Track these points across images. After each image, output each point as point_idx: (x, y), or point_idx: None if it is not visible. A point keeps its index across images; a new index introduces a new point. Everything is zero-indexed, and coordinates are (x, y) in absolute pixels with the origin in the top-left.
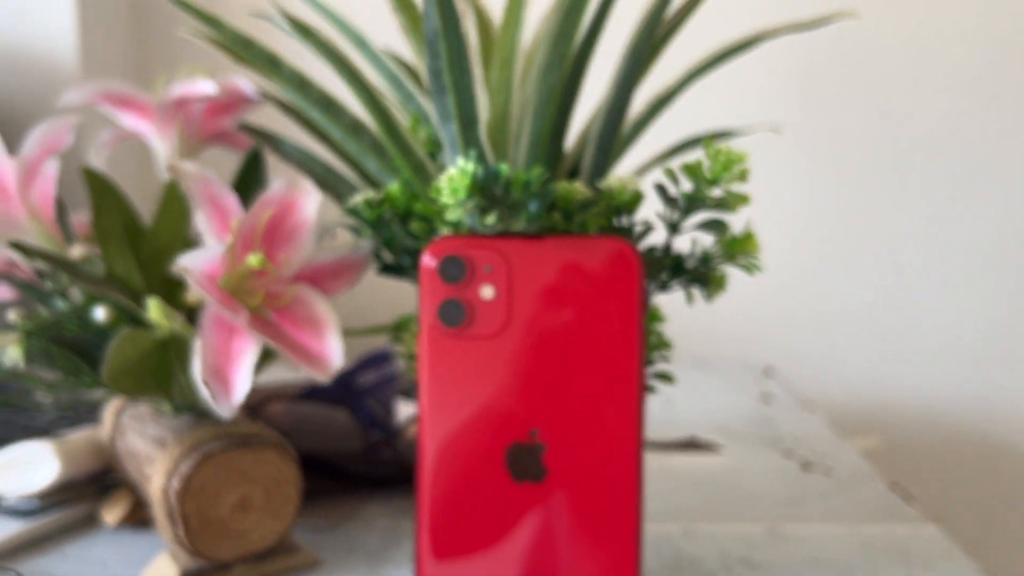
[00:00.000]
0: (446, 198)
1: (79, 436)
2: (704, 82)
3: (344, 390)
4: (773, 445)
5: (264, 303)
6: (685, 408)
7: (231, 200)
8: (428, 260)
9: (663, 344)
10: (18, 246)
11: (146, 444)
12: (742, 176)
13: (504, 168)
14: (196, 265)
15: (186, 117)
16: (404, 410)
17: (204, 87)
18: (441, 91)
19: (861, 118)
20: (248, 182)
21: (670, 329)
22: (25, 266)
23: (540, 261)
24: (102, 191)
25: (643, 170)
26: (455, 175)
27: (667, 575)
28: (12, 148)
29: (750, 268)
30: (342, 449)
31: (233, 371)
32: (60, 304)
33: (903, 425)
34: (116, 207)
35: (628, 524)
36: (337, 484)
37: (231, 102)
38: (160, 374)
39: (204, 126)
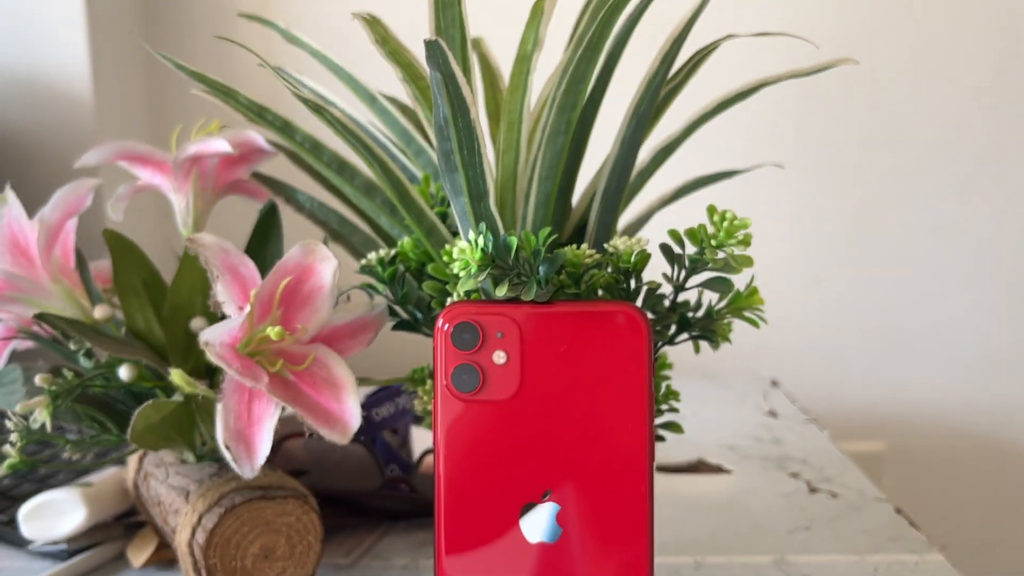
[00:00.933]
0: (458, 270)
1: (105, 480)
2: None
3: (360, 424)
4: (780, 466)
5: (284, 366)
6: (693, 424)
7: (249, 268)
8: (442, 326)
9: (671, 394)
10: (43, 316)
11: (170, 493)
12: (746, 241)
13: (513, 240)
14: (217, 339)
15: (201, 170)
16: (419, 440)
17: (219, 145)
18: (452, 170)
19: (863, 125)
20: (265, 235)
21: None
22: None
23: (550, 326)
24: (122, 250)
25: (647, 215)
26: (466, 249)
27: None
28: (29, 187)
29: (755, 322)
30: (360, 485)
31: (254, 433)
32: (85, 362)
33: (908, 430)
34: (135, 264)
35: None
36: (356, 520)
37: (244, 154)
38: (183, 427)
39: (219, 178)
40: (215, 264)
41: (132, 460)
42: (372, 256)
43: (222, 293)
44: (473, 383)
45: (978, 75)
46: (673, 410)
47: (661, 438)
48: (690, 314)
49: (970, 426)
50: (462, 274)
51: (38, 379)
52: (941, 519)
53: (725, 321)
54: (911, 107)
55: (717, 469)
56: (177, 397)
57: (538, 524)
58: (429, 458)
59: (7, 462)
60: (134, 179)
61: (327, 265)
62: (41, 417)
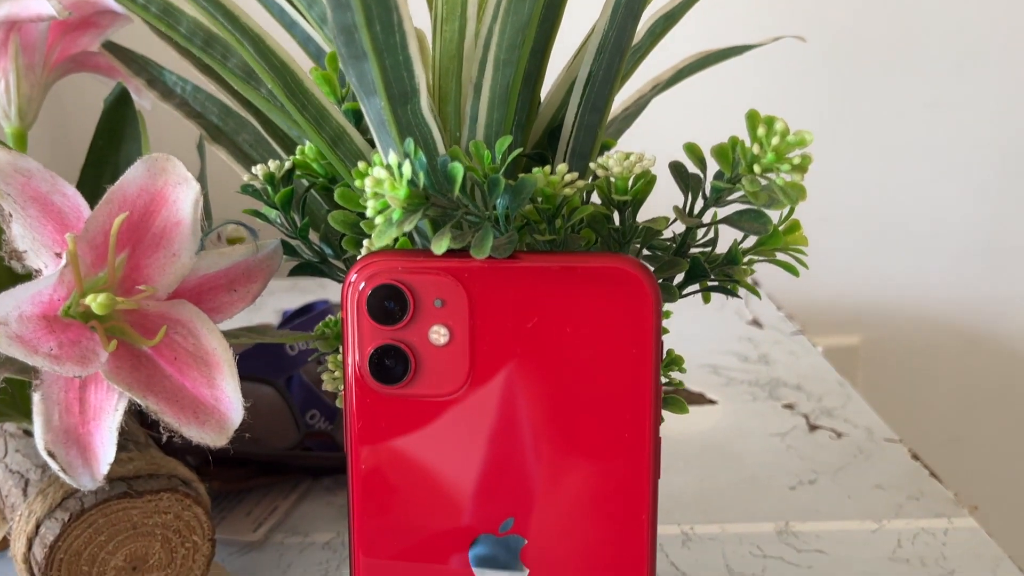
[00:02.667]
0: (373, 213)
1: None
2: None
3: (272, 358)
4: (771, 395)
5: (128, 334)
6: (670, 340)
7: (68, 197)
8: (354, 289)
9: (675, 361)
10: None
11: (7, 479)
12: (803, 166)
13: (458, 168)
14: (11, 310)
15: (25, 41)
16: None
17: (39, 6)
18: (358, 57)
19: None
20: (113, 135)
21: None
22: None
23: (513, 291)
24: None
25: (638, 106)
26: (384, 180)
27: None
28: None
29: (794, 269)
30: (271, 438)
31: (91, 432)
32: None
33: (884, 323)
34: None
35: None
36: (267, 480)
37: (87, 17)
38: (16, 397)
39: (52, 50)
40: (10, 194)
41: None
42: (258, 170)
43: (23, 237)
44: (400, 372)
45: None
46: (675, 383)
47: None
48: (704, 259)
49: (950, 319)
50: (379, 220)
51: None
52: (912, 414)
53: (748, 265)
54: None
55: (700, 398)
56: None
57: (495, 564)
58: None
59: None
60: None
61: (185, 190)
62: None
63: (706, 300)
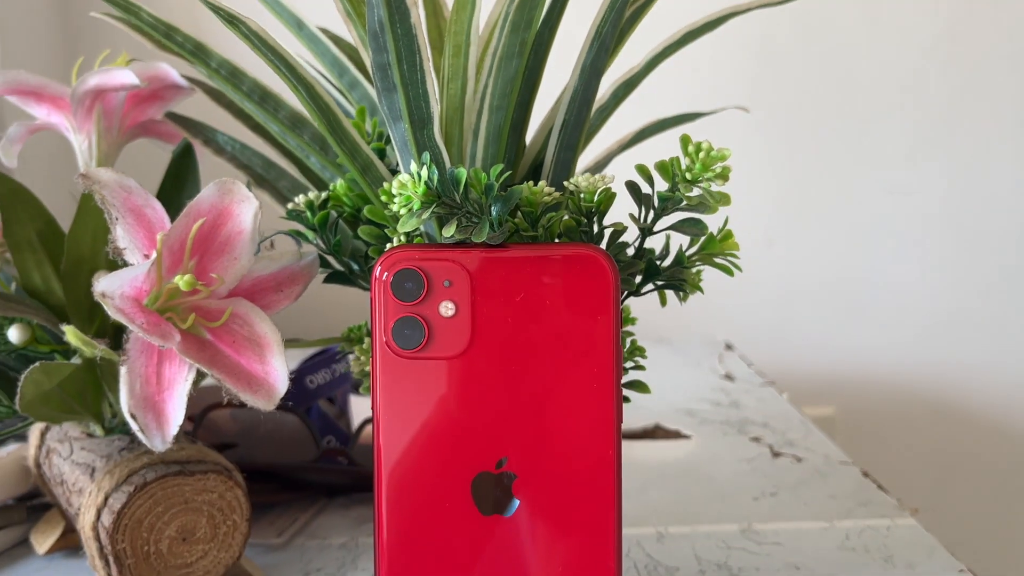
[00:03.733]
0: (398, 208)
1: (4, 458)
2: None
3: (294, 392)
4: (740, 431)
5: (198, 322)
6: (652, 387)
7: (156, 210)
8: (380, 274)
9: (637, 350)
10: None
11: (73, 471)
12: (723, 175)
13: (462, 173)
14: (117, 289)
15: (105, 108)
16: (358, 409)
17: (123, 76)
18: (389, 89)
19: (816, 86)
20: (179, 179)
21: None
22: None
23: (505, 273)
24: (12, 195)
25: (606, 159)
26: (408, 182)
27: None
28: None
29: (729, 269)
30: (294, 458)
31: (165, 400)
32: None
33: (858, 393)
34: (29, 212)
35: (607, 561)
36: (289, 496)
37: (157, 90)
38: (86, 396)
39: (127, 117)
40: (114, 204)
41: (33, 435)
42: (300, 199)
43: (123, 238)
44: (417, 339)
45: (929, 37)
46: (639, 367)
47: (626, 399)
48: (658, 261)
49: (919, 390)
50: (403, 212)
51: None
52: (892, 483)
53: (696, 269)
54: (864, 69)
55: (675, 434)
56: (76, 360)
57: (492, 495)
58: (369, 428)
59: None
60: (30, 119)
61: (247, 206)
62: None
63: (663, 302)
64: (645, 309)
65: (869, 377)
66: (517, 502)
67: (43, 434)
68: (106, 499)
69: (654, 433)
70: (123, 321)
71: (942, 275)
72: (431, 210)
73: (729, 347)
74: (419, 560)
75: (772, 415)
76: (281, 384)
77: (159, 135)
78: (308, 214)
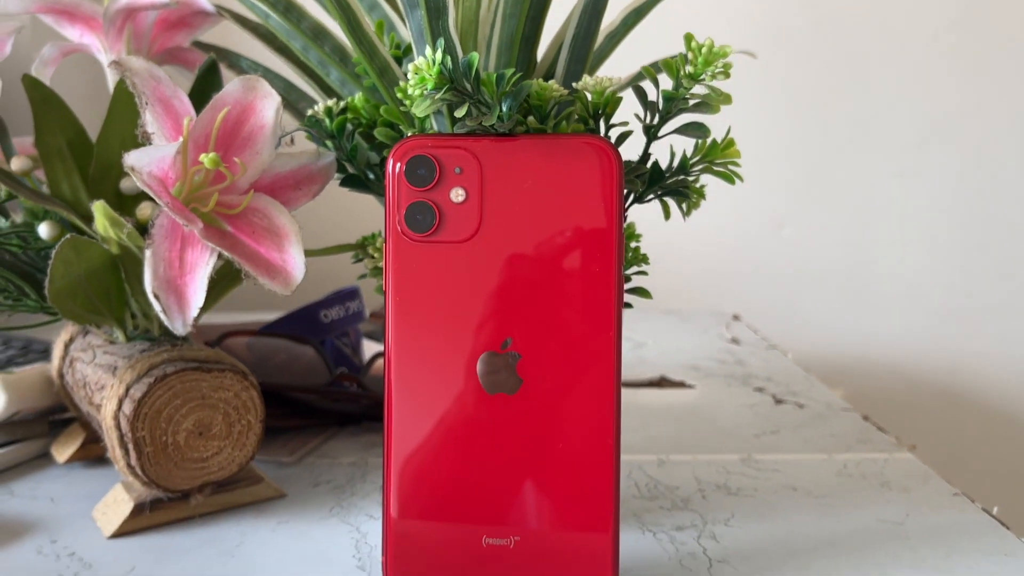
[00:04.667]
0: (413, 90)
1: (28, 370)
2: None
3: (309, 325)
4: (744, 383)
5: (220, 215)
6: (653, 351)
7: (183, 102)
8: (394, 161)
9: (640, 258)
10: None
11: (96, 372)
12: (725, 71)
13: (475, 57)
14: (145, 165)
15: (136, 30)
16: (371, 350)
17: None
18: None
19: (828, 69)
20: (204, 97)
21: (636, 280)
22: None
23: (513, 160)
24: (44, 102)
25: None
26: (423, 64)
27: (643, 504)
28: None
29: (730, 177)
30: (307, 383)
31: (187, 284)
32: (1, 221)
33: (866, 377)
34: (60, 121)
35: (606, 440)
36: (302, 422)
37: (185, 16)
38: (111, 296)
39: (156, 41)
40: (144, 92)
41: (57, 348)
42: (319, 106)
43: (152, 124)
44: (428, 223)
45: (941, 21)
46: (642, 273)
47: (629, 304)
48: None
49: (928, 376)
50: (417, 93)
51: None
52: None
53: (698, 181)
54: (875, 53)
55: (680, 384)
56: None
57: (497, 375)
58: (380, 361)
59: None
60: (63, 40)
61: (269, 102)
62: None
63: (666, 214)
64: (658, 284)
65: (878, 362)
66: (521, 381)
67: (67, 346)
68: (127, 390)
69: (659, 383)
70: (149, 192)
71: (952, 260)
72: (443, 92)
73: (736, 317)
74: (425, 436)
75: (776, 371)
76: (298, 271)
77: (185, 63)
78: (326, 121)
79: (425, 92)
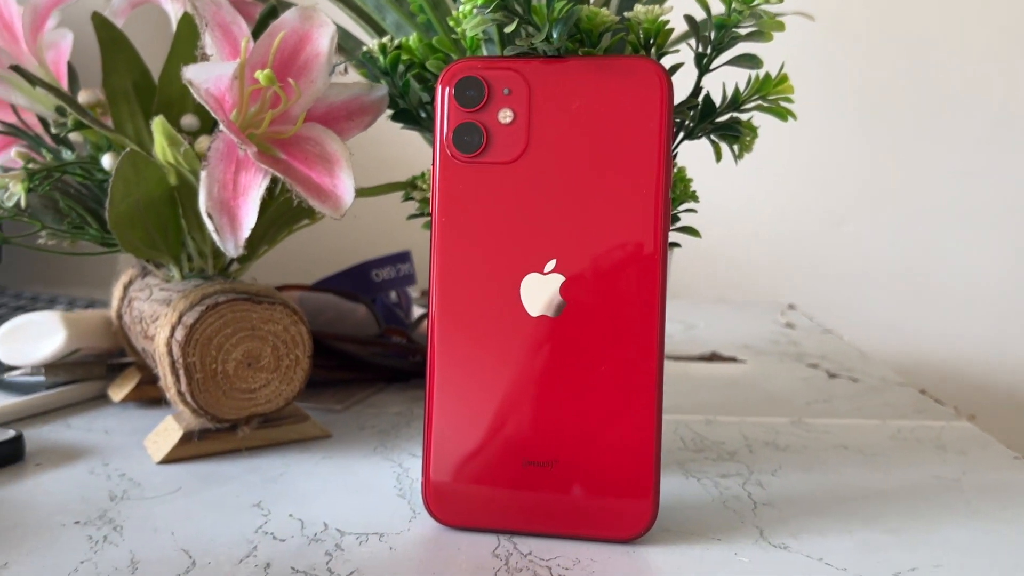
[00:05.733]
0: (465, 5)
1: (89, 311)
2: None
3: (360, 282)
4: (798, 359)
5: (274, 142)
6: (705, 332)
7: (241, 26)
8: (443, 84)
9: (689, 195)
10: (20, 71)
11: (152, 306)
12: None
13: None
14: (203, 81)
15: None
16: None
17: None
18: None
19: (892, 66)
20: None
21: (692, 274)
22: (31, 118)
23: (562, 81)
24: (113, 43)
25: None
26: None
27: (689, 456)
28: None
29: (783, 113)
30: (357, 335)
31: (239, 205)
32: (67, 155)
33: (929, 378)
34: (127, 63)
35: (649, 366)
36: (352, 375)
37: None
38: (168, 230)
39: None
40: (205, 16)
41: (116, 290)
42: (373, 43)
43: (211, 46)
44: (476, 143)
45: (1008, 14)
46: (691, 211)
47: (676, 244)
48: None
49: (992, 377)
50: (467, 8)
51: (14, 152)
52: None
53: (751, 117)
54: (941, 47)
55: (731, 359)
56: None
57: (540, 296)
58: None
59: None
60: None
61: (325, 31)
62: (16, 191)
63: (717, 156)
64: (713, 275)
65: (940, 364)
66: (564, 303)
67: (125, 288)
68: (180, 317)
69: (710, 358)
70: (206, 106)
71: (1019, 261)
72: (493, 9)
73: (792, 307)
74: (467, 356)
75: (831, 351)
76: (348, 195)
77: (247, 16)
78: (380, 57)
79: (476, 8)
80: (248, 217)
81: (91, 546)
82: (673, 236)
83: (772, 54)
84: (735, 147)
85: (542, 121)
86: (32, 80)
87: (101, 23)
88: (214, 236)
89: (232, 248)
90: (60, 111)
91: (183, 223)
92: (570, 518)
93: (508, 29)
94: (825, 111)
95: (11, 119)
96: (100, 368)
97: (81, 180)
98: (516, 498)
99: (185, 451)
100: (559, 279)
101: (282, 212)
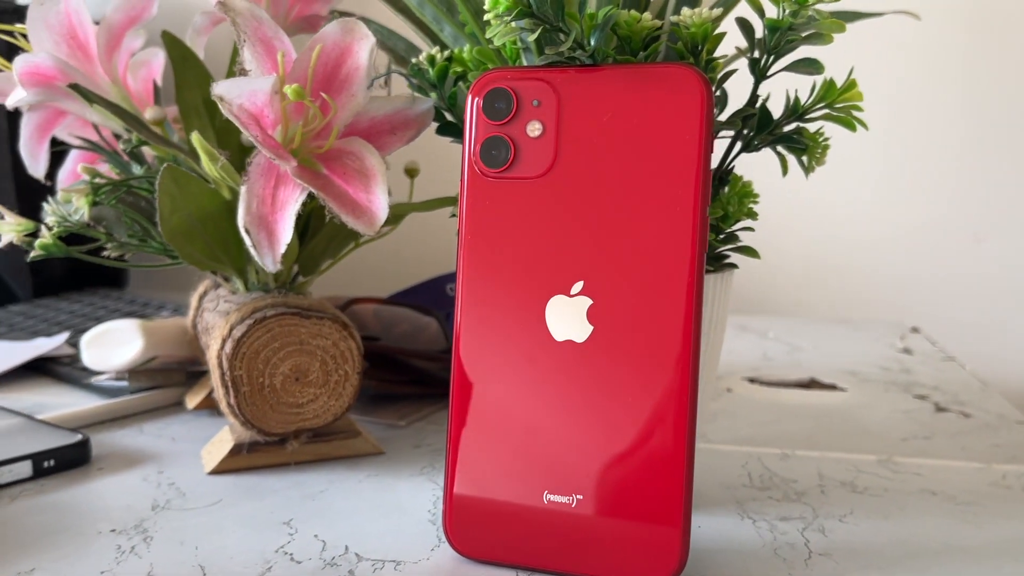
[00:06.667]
0: (490, 7)
1: (168, 320)
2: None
3: (434, 296)
4: (905, 390)
5: (315, 156)
6: (812, 354)
7: (283, 40)
8: (472, 95)
9: (745, 212)
10: (79, 89)
11: (215, 318)
12: None
13: None
14: (236, 97)
15: None
16: None
17: None
18: None
19: None
20: None
21: (807, 291)
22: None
23: (592, 91)
24: (183, 61)
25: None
26: None
27: (751, 494)
28: None
29: (851, 123)
30: (427, 351)
31: (277, 220)
32: (136, 170)
33: None
34: (197, 78)
35: (680, 396)
36: (420, 390)
37: None
38: (229, 243)
39: (293, 8)
40: (246, 32)
41: (193, 300)
42: (423, 55)
43: (249, 61)
44: (503, 158)
45: None
46: (748, 229)
47: (733, 265)
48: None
49: None
50: (492, 18)
51: (79, 167)
52: None
53: (818, 129)
54: None
55: (831, 387)
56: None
57: (566, 319)
58: None
59: (39, 242)
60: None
61: (365, 43)
62: (79, 205)
63: (784, 169)
64: (834, 295)
65: None
66: (591, 328)
67: (200, 298)
68: (231, 330)
69: (807, 385)
70: (237, 124)
71: None
72: (515, 15)
73: (915, 330)
74: (491, 381)
75: (946, 381)
76: (382, 211)
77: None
78: (429, 69)
79: (497, 15)
80: (285, 232)
81: (117, 556)
82: (733, 257)
83: (909, 54)
84: (803, 158)
85: (571, 134)
86: (89, 98)
87: (172, 42)
88: (252, 251)
89: (270, 263)
90: (127, 128)
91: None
92: (593, 558)
93: (530, 38)
94: (963, 119)
95: (92, 136)
96: (180, 375)
97: (147, 194)
98: (537, 533)
99: (234, 463)
100: (586, 302)
101: (342, 225)
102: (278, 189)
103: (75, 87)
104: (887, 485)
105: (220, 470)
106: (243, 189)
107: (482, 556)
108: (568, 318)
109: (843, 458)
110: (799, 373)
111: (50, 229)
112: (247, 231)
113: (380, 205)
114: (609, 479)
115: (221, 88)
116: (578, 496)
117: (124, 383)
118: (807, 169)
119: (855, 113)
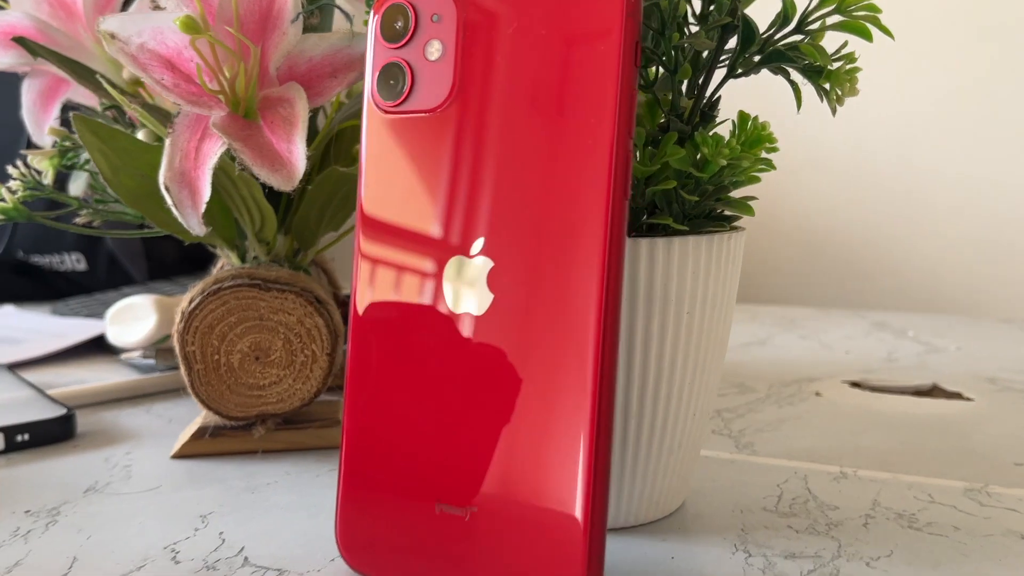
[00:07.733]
0: None
1: (171, 298)
2: None
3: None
4: None
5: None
6: (950, 357)
7: None
8: (373, 14)
9: (760, 164)
10: (24, 42)
11: None
12: None
13: None
14: (132, 33)
15: None
16: None
17: None
18: None
19: None
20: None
21: (964, 280)
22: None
23: (499, 1)
24: None
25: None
26: None
27: (768, 519)
28: None
29: (866, 32)
30: None
31: (200, 177)
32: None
33: None
34: None
35: (581, 394)
36: None
37: None
38: (213, 214)
39: None
40: None
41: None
42: None
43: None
44: (400, 88)
45: None
46: (751, 197)
47: (737, 227)
48: (771, 30)
49: None
50: None
51: (49, 130)
52: None
53: (842, 45)
54: None
55: (955, 396)
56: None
57: (463, 286)
58: None
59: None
60: None
61: None
62: (43, 168)
63: (798, 101)
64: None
65: None
66: (491, 297)
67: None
68: (189, 303)
69: (928, 393)
70: (133, 67)
71: None
72: None
73: None
74: (385, 360)
75: None
76: (300, 163)
77: None
78: None
79: None
80: (206, 188)
81: (3, 539)
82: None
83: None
84: (826, 85)
85: (474, 54)
86: (33, 51)
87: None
88: (174, 211)
89: (195, 223)
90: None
91: (232, 210)
92: None
93: None
94: (981, 70)
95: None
96: None
97: None
98: (429, 549)
99: (196, 448)
100: (487, 264)
101: (335, 191)
102: (203, 142)
103: (41, 49)
104: (962, 522)
105: (182, 454)
106: (167, 142)
107: (374, 572)
108: (467, 285)
109: (920, 483)
110: (923, 378)
111: (13, 193)
112: (167, 188)
113: (299, 155)
114: (505, 489)
115: (112, 24)
116: (472, 509)
117: (151, 361)
118: (832, 100)
119: (871, 18)
